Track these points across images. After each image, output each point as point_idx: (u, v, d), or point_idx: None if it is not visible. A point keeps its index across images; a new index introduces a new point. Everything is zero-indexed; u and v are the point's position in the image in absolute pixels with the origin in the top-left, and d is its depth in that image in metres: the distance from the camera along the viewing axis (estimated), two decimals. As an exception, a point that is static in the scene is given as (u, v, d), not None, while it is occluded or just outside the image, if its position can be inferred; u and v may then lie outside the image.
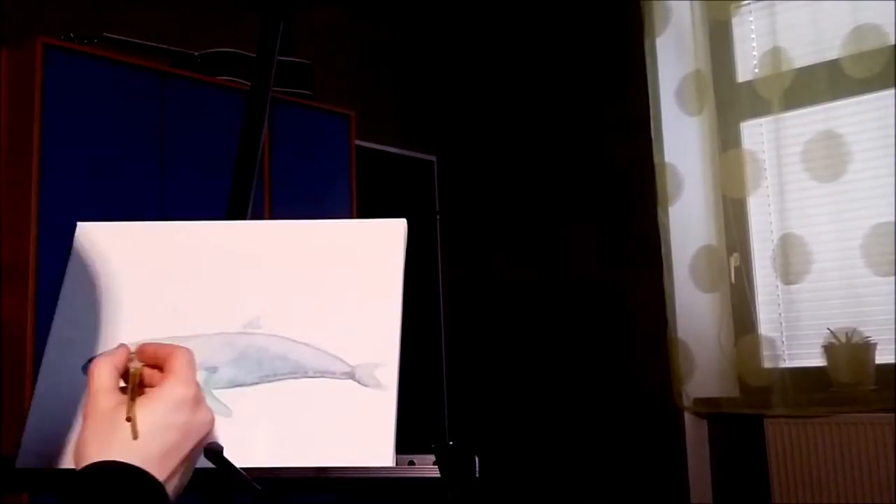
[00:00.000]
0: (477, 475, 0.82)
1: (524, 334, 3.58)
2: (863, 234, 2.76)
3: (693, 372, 3.00)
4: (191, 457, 0.73)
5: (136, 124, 2.67)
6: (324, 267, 0.95)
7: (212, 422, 0.75)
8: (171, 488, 0.71)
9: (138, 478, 0.68)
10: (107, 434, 0.70)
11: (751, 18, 3.13)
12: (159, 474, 0.69)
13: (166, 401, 0.72)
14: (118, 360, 0.75)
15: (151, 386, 0.75)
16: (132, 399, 0.72)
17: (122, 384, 0.75)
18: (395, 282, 0.94)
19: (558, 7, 3.59)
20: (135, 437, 0.69)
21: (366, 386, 0.88)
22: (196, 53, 2.98)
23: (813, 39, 2.90)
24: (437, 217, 3.91)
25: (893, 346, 2.66)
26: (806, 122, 2.90)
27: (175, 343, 0.86)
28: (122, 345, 0.77)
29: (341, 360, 0.89)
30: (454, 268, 3.87)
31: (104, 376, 0.73)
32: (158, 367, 0.76)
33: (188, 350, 0.77)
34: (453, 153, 3.93)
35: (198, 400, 0.74)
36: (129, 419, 0.70)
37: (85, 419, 0.72)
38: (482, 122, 3.83)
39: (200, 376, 0.88)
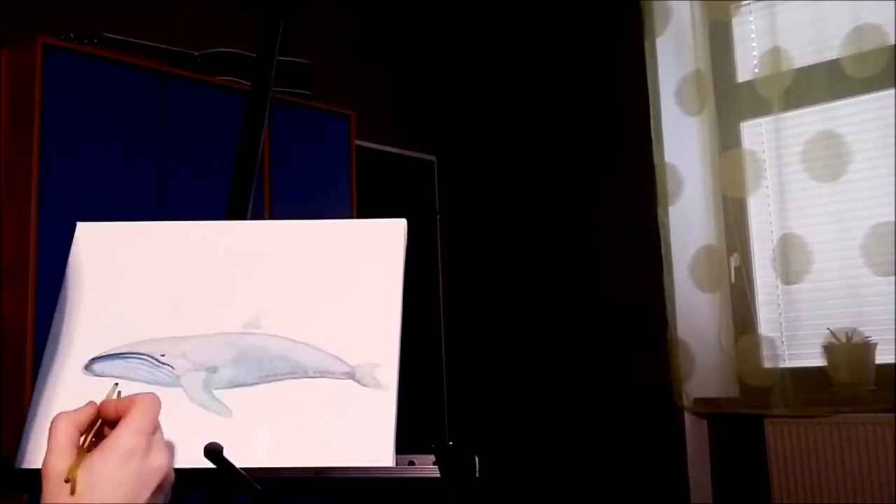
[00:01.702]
0: (477, 475, 0.82)
1: (524, 334, 3.58)
2: (863, 234, 2.76)
3: (693, 372, 3.01)
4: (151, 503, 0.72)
5: (136, 124, 2.67)
6: (324, 267, 0.95)
7: (165, 467, 0.73)
8: None
9: None
10: (56, 497, 0.68)
11: (751, 18, 3.13)
12: None
13: (114, 452, 0.70)
14: (81, 418, 0.74)
15: None
16: (77, 458, 0.70)
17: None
18: (395, 282, 0.94)
19: (558, 7, 3.59)
20: (72, 492, 0.68)
21: (366, 386, 0.88)
22: (196, 53, 2.98)
23: (813, 39, 2.91)
24: (437, 217, 3.91)
25: (893, 346, 2.66)
26: (806, 122, 2.90)
27: (176, 340, 0.86)
28: (90, 402, 0.76)
29: (341, 360, 0.89)
30: (454, 268, 3.87)
31: (60, 434, 0.71)
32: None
33: (150, 397, 0.75)
34: (453, 153, 3.93)
35: (150, 446, 0.72)
36: (67, 480, 0.68)
37: (42, 480, 0.70)
38: (482, 122, 3.83)
39: (200, 376, 0.88)
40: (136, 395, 0.76)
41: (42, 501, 0.69)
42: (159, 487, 0.72)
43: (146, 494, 0.71)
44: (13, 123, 2.54)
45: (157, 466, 0.72)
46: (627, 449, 3.22)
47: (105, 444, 0.71)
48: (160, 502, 0.73)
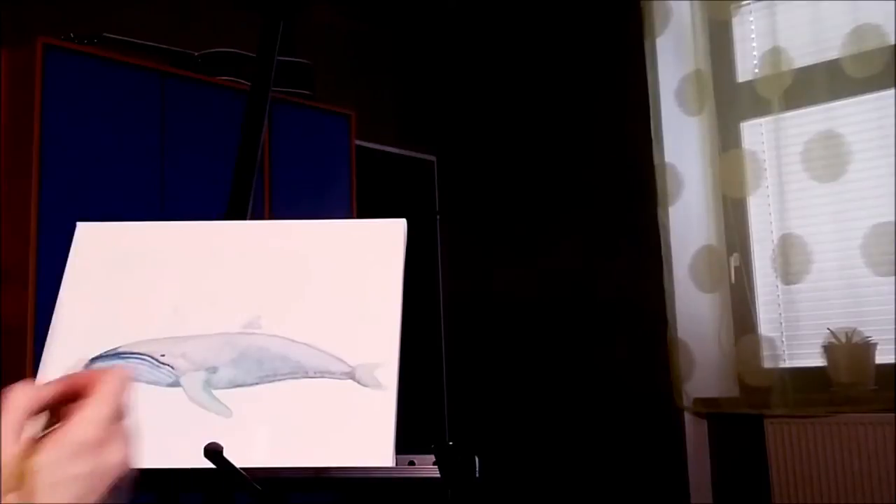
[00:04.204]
0: (477, 475, 0.82)
1: (524, 334, 3.58)
2: (863, 234, 2.76)
3: (693, 372, 3.00)
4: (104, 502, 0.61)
5: (136, 125, 2.67)
6: (324, 267, 0.95)
7: (121, 463, 0.61)
8: None
9: None
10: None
11: (751, 18, 3.13)
12: None
13: (64, 447, 0.59)
14: (43, 395, 0.61)
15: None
16: (28, 447, 0.59)
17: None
18: (394, 282, 0.94)
19: (558, 7, 3.59)
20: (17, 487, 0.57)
21: (366, 386, 0.88)
22: (196, 53, 2.98)
23: (813, 39, 2.90)
24: (437, 217, 3.91)
25: (893, 346, 2.66)
26: (806, 122, 2.90)
27: (176, 340, 0.86)
28: (60, 378, 0.64)
29: (341, 360, 0.89)
30: (454, 268, 3.87)
31: (11, 414, 0.59)
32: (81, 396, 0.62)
33: (114, 377, 0.63)
34: (453, 153, 3.92)
35: (107, 439, 0.61)
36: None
37: None
38: (482, 122, 3.83)
39: (200, 376, 0.88)
40: (104, 371, 0.64)
41: None
42: (115, 486, 0.61)
43: (95, 495, 0.60)
44: (13, 123, 2.54)
45: (112, 463, 0.61)
46: (628, 449, 3.21)
47: (58, 434, 0.59)
48: (115, 502, 0.62)
